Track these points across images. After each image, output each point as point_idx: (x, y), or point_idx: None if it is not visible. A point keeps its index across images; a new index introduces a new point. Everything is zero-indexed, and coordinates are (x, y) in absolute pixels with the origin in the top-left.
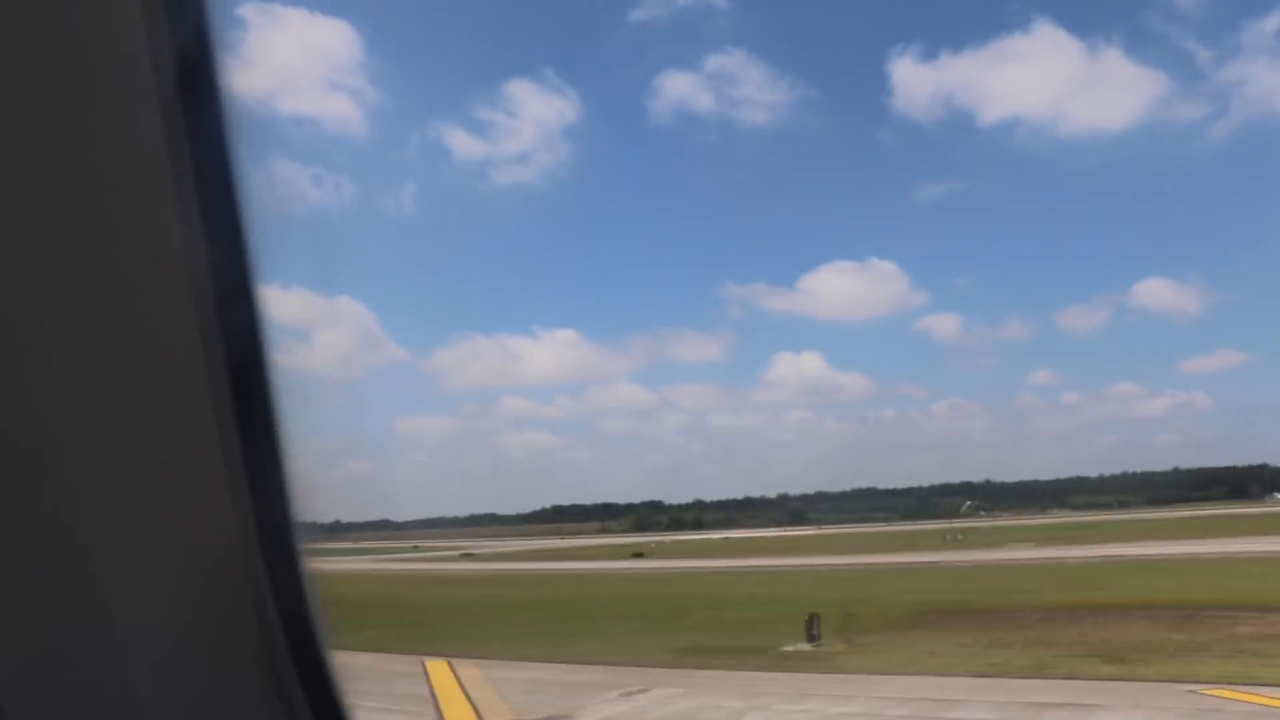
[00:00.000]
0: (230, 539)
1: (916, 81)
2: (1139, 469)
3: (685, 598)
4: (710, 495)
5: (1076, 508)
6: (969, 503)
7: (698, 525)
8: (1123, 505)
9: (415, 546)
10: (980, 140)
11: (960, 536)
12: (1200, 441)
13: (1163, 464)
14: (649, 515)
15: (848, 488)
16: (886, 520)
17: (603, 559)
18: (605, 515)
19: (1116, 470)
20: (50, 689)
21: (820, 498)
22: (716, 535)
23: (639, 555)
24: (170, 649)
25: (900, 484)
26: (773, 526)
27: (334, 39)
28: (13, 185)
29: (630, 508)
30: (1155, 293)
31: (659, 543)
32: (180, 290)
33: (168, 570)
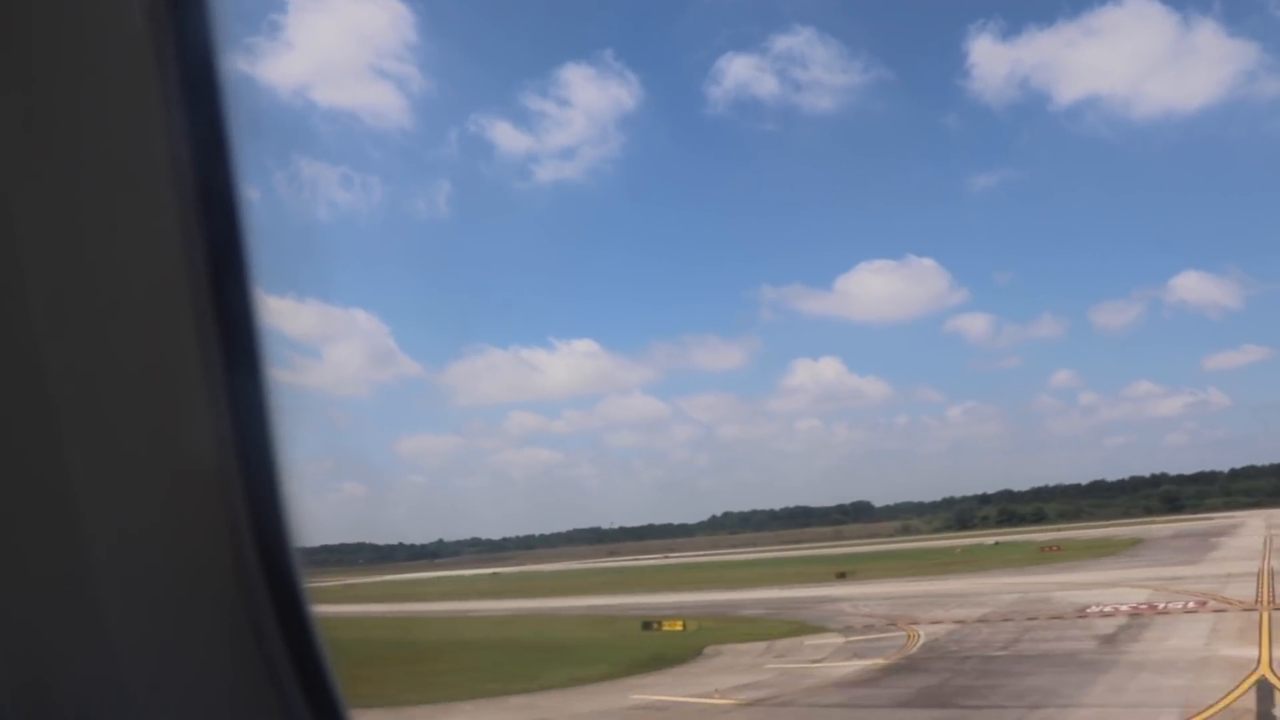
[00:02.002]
0: (221, 510)
1: (994, 61)
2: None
3: None
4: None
5: None
6: None
7: (1038, 519)
8: None
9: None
10: (1047, 125)
11: None
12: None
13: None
14: (873, 515)
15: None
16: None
17: None
18: (804, 520)
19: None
20: (33, 655)
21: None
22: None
23: None
24: (157, 628)
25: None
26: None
27: (384, 20)
28: (12, 176)
29: (838, 509)
30: (1192, 286)
31: None
32: (177, 282)
33: (152, 530)
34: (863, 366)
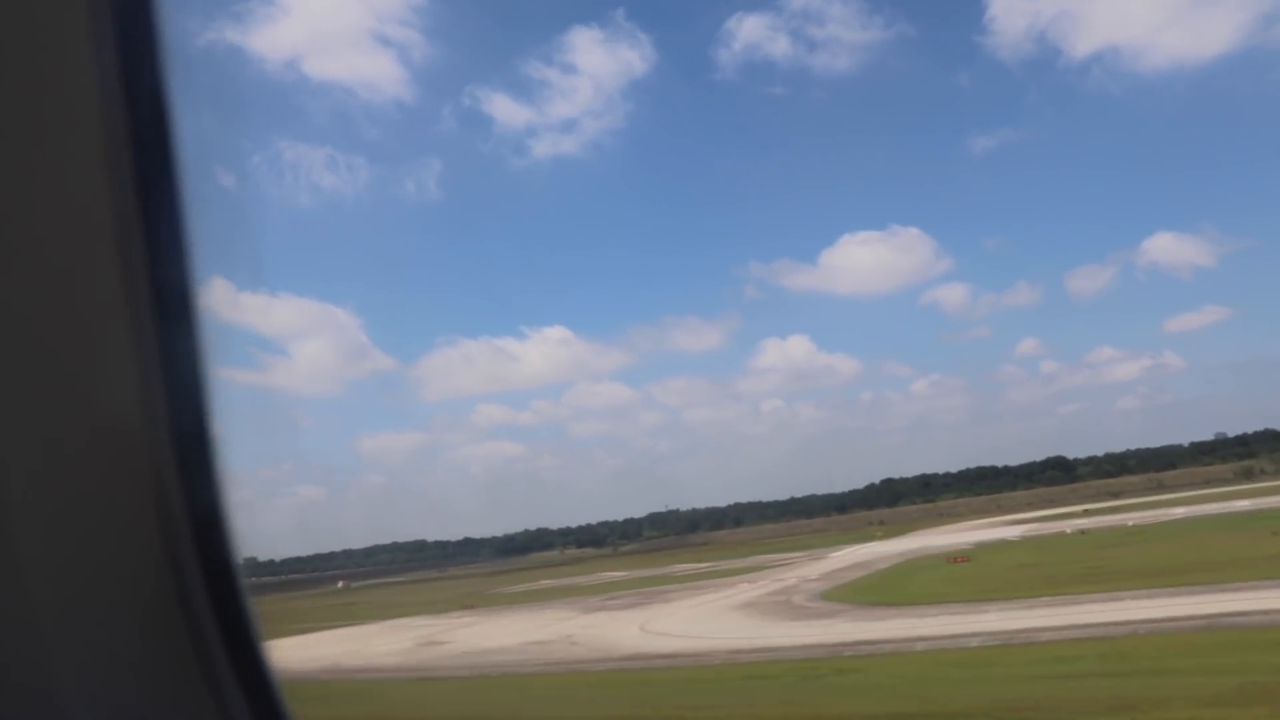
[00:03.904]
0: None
1: (1013, 13)
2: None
3: None
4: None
5: None
6: None
7: None
8: None
9: None
10: (1055, 82)
11: None
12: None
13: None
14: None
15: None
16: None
17: None
18: (994, 480)
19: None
20: None
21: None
22: None
23: None
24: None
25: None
26: None
27: None
28: None
29: (1036, 465)
30: (1165, 247)
31: None
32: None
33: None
34: (832, 343)
